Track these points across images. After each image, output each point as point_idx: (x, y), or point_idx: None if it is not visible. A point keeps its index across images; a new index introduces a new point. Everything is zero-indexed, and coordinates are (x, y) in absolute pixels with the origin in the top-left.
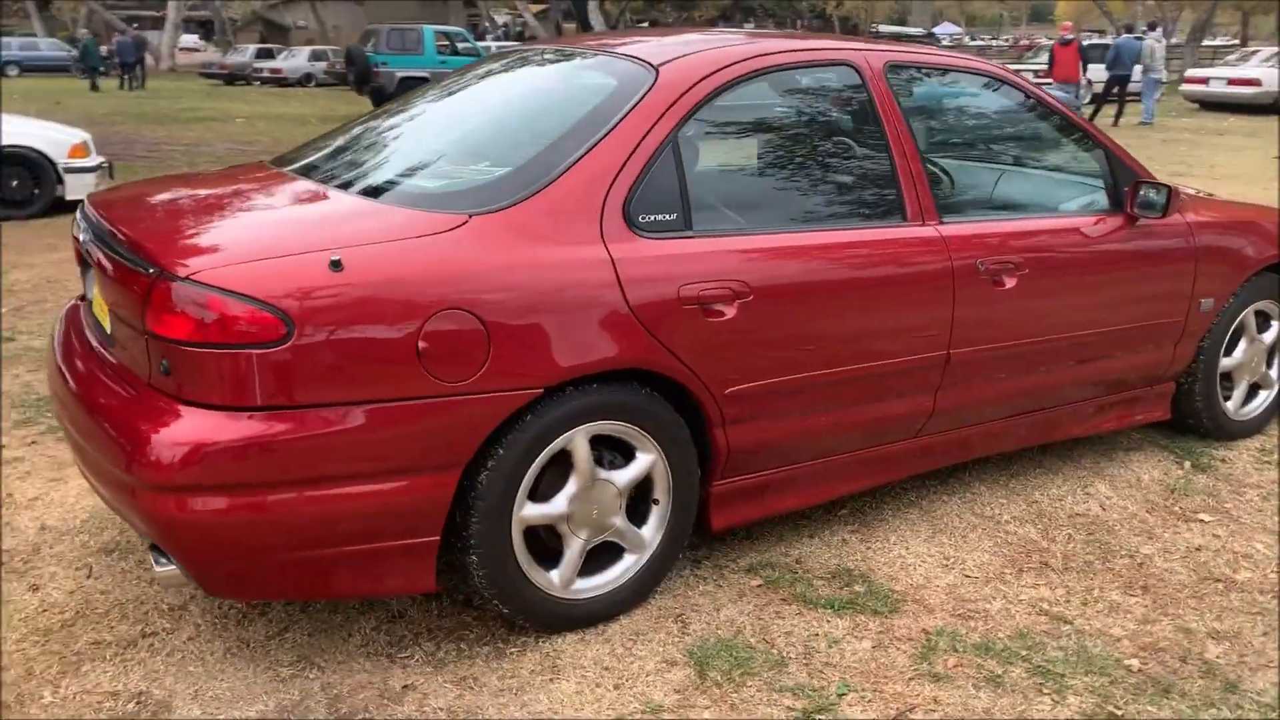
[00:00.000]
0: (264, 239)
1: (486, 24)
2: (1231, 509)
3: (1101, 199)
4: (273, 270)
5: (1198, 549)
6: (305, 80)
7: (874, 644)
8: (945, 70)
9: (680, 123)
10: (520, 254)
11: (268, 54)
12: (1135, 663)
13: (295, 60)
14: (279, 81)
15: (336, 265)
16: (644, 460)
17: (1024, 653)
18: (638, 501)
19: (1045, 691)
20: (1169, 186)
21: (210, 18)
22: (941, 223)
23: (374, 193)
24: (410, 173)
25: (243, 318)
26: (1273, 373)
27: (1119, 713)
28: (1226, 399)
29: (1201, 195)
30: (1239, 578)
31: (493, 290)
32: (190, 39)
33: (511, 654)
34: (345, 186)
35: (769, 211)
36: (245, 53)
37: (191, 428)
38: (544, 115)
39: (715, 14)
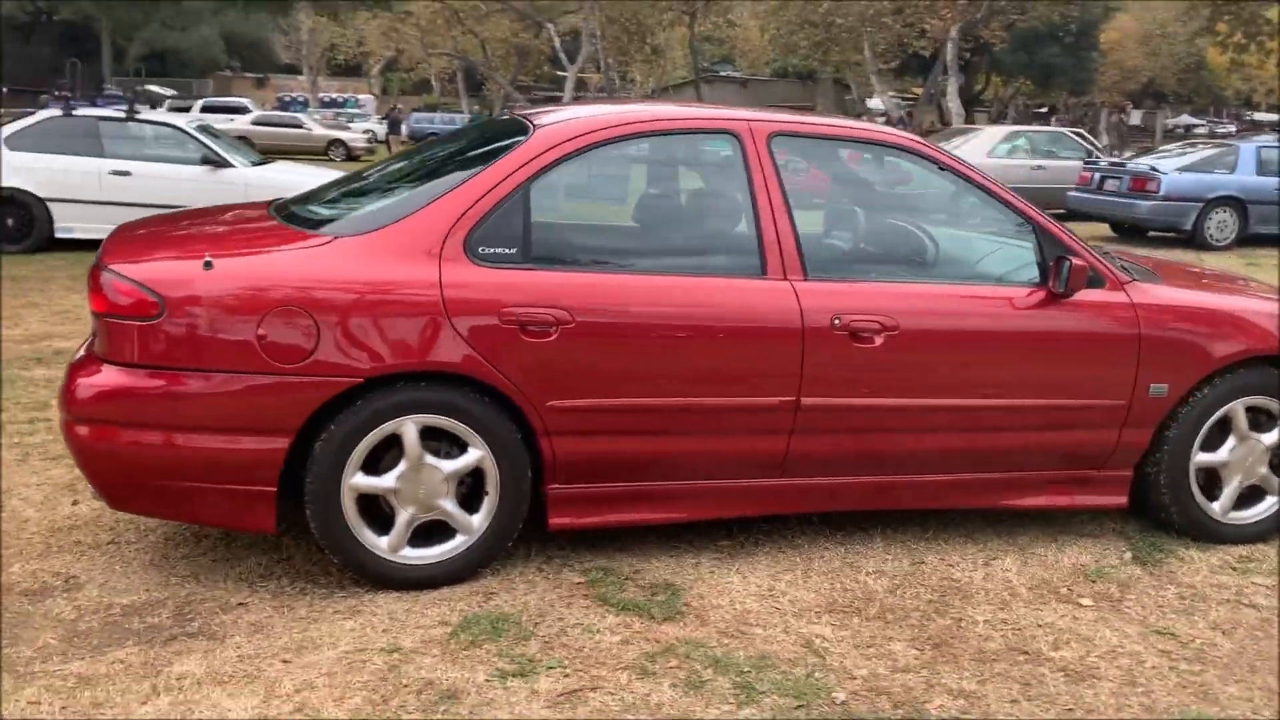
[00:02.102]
0: (175, 246)
1: (859, 109)
2: (1127, 601)
3: (1029, 271)
4: (161, 265)
5: (1039, 625)
6: None
7: (621, 640)
8: (837, 140)
9: (537, 174)
10: (360, 270)
11: None
12: (843, 695)
13: None
14: None
15: (208, 265)
16: (473, 455)
17: (748, 670)
18: (476, 491)
19: (731, 701)
20: (1070, 262)
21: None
22: (805, 279)
23: (294, 219)
24: (333, 206)
25: (132, 298)
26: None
27: None
28: (1214, 498)
29: (1194, 272)
30: (1052, 655)
31: (327, 296)
32: None
33: (337, 598)
34: (285, 216)
35: (616, 255)
36: None
37: (99, 377)
38: (448, 164)
39: (1121, 97)
